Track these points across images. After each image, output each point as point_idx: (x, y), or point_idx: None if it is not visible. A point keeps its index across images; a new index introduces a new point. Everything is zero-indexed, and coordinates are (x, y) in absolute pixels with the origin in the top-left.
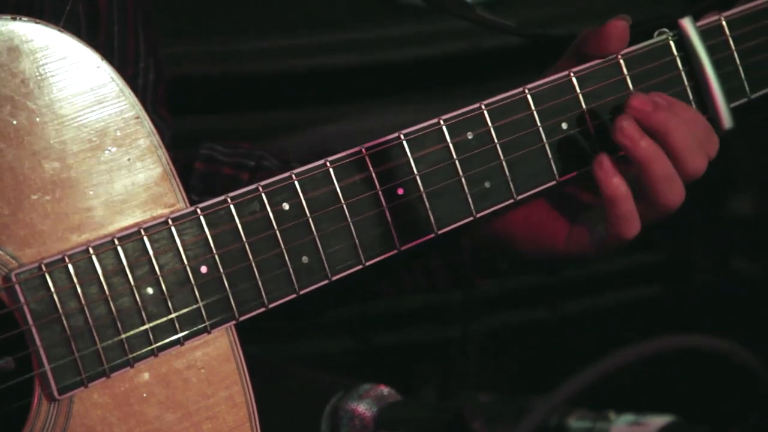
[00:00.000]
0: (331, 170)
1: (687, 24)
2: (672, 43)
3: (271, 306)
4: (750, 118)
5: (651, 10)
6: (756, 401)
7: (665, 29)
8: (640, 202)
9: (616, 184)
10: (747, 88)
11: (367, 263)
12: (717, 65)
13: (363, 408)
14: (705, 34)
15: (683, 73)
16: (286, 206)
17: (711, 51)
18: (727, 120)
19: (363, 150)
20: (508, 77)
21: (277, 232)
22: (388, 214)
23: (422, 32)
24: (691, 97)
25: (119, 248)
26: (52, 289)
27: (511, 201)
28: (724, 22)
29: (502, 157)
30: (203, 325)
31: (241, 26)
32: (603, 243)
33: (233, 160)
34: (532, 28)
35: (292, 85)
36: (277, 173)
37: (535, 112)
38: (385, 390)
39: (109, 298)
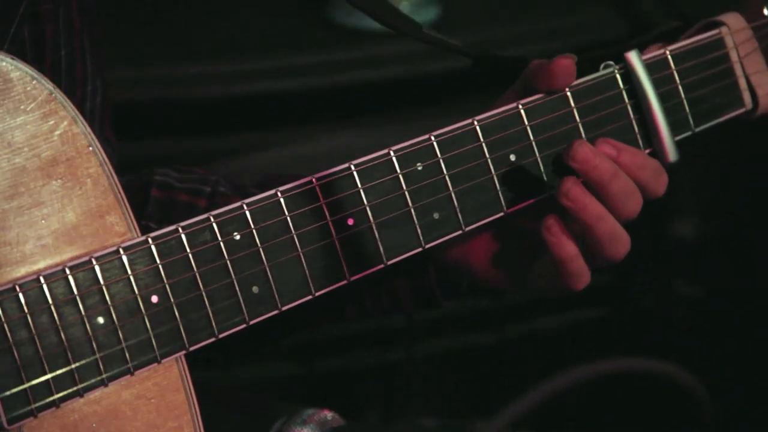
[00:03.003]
0: (282, 200)
1: (633, 57)
2: (618, 76)
3: (221, 336)
4: (691, 142)
5: (595, 34)
6: (696, 423)
7: (611, 62)
8: (588, 254)
9: (565, 246)
10: (692, 122)
11: (317, 293)
12: (662, 98)
13: None
14: (650, 67)
15: (629, 107)
16: (237, 236)
17: (656, 84)
18: (672, 153)
19: (314, 180)
20: (454, 100)
21: (228, 262)
22: (338, 244)
23: (368, 56)
24: (636, 129)
25: (70, 277)
26: (3, 319)
27: (460, 232)
28: (669, 56)
29: (451, 189)
30: (153, 354)
31: (189, 51)
32: (555, 293)
33: (188, 186)
34: (477, 49)
35: (239, 110)
36: (233, 199)
37: (483, 144)
38: (329, 415)
39: (60, 328)
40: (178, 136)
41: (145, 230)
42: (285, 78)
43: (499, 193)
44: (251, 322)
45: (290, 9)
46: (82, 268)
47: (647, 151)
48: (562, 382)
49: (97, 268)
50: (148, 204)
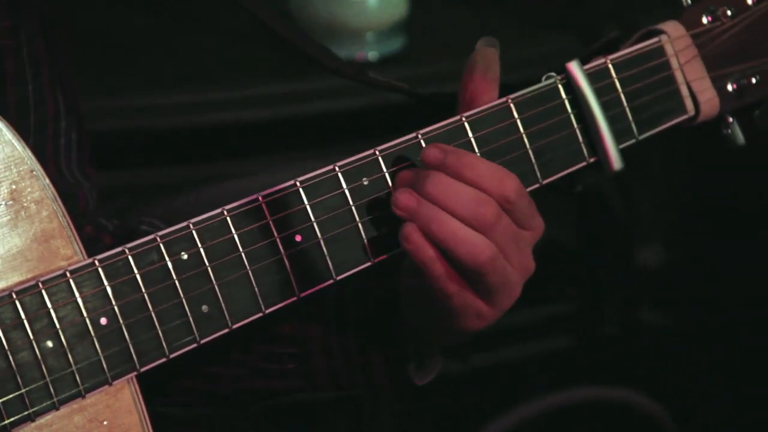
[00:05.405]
0: (228, 219)
1: (574, 67)
2: (560, 87)
3: (172, 356)
4: (655, 169)
5: (560, 65)
6: None
7: (552, 73)
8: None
9: (424, 249)
10: (634, 130)
11: (267, 311)
12: (605, 107)
13: None
14: (592, 76)
15: (572, 116)
16: (184, 256)
17: (598, 93)
18: (616, 161)
19: (260, 198)
20: (413, 132)
21: (176, 282)
22: (286, 261)
23: (328, 87)
24: (581, 139)
25: (17, 302)
26: None
27: None
28: (610, 65)
29: None
30: (104, 377)
31: (151, 81)
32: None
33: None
34: (425, 87)
35: (203, 140)
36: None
37: None
38: None
39: (8, 353)
40: (141, 167)
41: None
42: (247, 108)
43: None
44: (202, 342)
45: (255, 40)
46: (29, 292)
47: (592, 159)
48: (529, 411)
49: (43, 291)
50: None
